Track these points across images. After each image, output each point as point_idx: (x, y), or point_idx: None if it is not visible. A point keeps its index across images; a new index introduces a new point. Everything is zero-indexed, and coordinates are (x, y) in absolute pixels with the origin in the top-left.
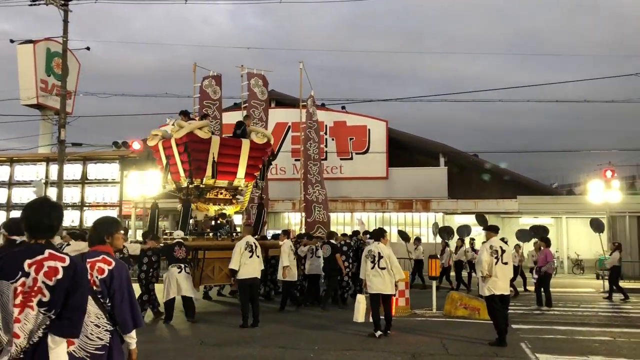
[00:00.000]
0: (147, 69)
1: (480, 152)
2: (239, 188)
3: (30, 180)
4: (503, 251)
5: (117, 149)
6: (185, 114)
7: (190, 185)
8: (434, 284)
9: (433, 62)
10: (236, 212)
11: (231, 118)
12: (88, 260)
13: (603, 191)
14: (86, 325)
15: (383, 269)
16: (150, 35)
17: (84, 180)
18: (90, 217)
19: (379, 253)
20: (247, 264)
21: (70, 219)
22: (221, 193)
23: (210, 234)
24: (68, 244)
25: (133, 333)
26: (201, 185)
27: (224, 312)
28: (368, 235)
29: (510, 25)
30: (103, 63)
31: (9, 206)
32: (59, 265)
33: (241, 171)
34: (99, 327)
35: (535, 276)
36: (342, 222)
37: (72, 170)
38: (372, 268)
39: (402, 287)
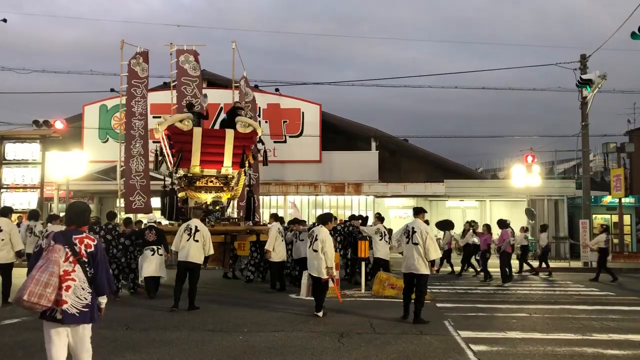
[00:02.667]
0: (73, 45)
1: (410, 136)
2: (230, 176)
3: None
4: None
5: (38, 127)
6: (189, 107)
7: (175, 175)
8: (363, 264)
9: (367, 47)
10: (229, 199)
11: (159, 98)
12: (75, 236)
13: (524, 176)
14: (76, 289)
15: (315, 251)
16: (76, 10)
17: (1, 161)
18: (9, 199)
19: (316, 235)
20: (185, 247)
21: None
22: (211, 181)
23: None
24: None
25: (105, 296)
26: (188, 175)
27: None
28: (360, 221)
29: (442, 14)
30: (23, 37)
31: None
32: (91, 242)
33: (227, 160)
34: (84, 290)
35: (497, 255)
36: (275, 205)
37: None
38: (309, 247)
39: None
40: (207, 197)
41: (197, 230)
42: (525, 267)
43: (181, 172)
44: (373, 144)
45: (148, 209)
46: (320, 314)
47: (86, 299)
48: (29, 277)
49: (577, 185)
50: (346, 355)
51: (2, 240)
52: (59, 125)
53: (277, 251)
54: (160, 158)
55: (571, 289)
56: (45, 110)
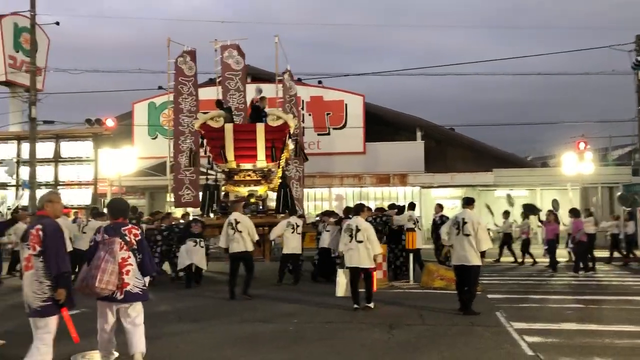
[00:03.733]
0: (120, 44)
1: (456, 125)
2: (266, 169)
3: (1, 160)
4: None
5: (91, 126)
6: (219, 104)
7: (211, 170)
8: (411, 256)
9: (411, 35)
10: (268, 191)
11: (205, 94)
12: (123, 228)
13: (576, 163)
14: (134, 272)
15: (360, 242)
16: (122, 9)
17: (57, 159)
18: (65, 196)
19: (356, 227)
20: (232, 240)
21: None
22: (248, 175)
23: None
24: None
25: (149, 276)
26: (226, 170)
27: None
28: (396, 210)
29: None
30: (73, 38)
31: None
32: (137, 231)
33: (261, 154)
34: (136, 272)
35: (571, 245)
36: (320, 198)
37: (45, 149)
38: (350, 242)
39: (379, 260)
40: (245, 191)
41: (237, 222)
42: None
43: (221, 167)
44: (418, 134)
45: (197, 203)
46: (372, 305)
47: (141, 280)
48: (93, 266)
49: (633, 172)
50: (396, 347)
51: None
52: (110, 123)
53: (287, 244)
54: (192, 154)
55: (629, 279)
56: (96, 109)
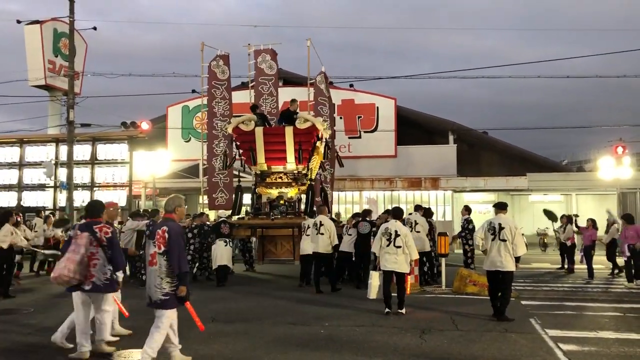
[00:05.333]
0: (154, 48)
1: (489, 129)
2: (297, 172)
3: (40, 161)
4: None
5: (126, 129)
6: (253, 109)
7: (242, 173)
8: (443, 261)
9: (442, 38)
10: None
11: (238, 97)
12: (95, 226)
13: (614, 168)
14: (100, 266)
15: (398, 247)
16: (156, 14)
17: (93, 161)
18: (100, 198)
19: (395, 231)
20: (314, 241)
21: (80, 199)
22: (280, 177)
23: (267, 215)
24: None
25: (121, 271)
26: (258, 172)
27: (245, 291)
28: (422, 212)
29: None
30: (110, 43)
31: (20, 187)
32: (108, 230)
33: (290, 156)
34: (105, 267)
35: (628, 254)
36: (350, 201)
37: (82, 151)
38: (387, 246)
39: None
40: (275, 193)
41: (321, 224)
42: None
43: (253, 170)
44: (451, 137)
45: (230, 206)
46: (404, 310)
47: (108, 274)
48: (64, 258)
49: None
50: (429, 352)
51: None
52: (144, 126)
53: (301, 246)
54: (226, 157)
55: None
56: (132, 112)
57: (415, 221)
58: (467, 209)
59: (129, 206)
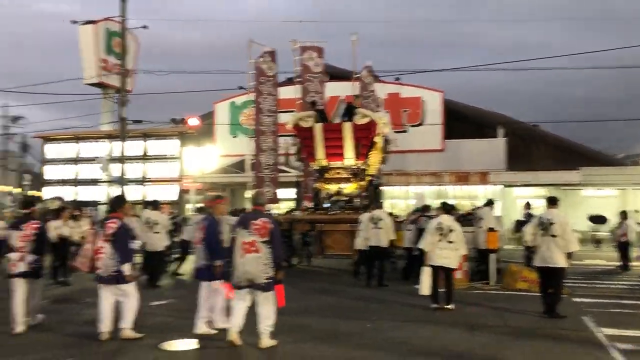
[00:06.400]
0: (202, 45)
1: (540, 122)
2: (356, 167)
3: (94, 157)
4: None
5: (176, 125)
6: (313, 104)
7: (303, 168)
8: (492, 257)
9: (491, 30)
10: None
11: (284, 93)
12: (106, 222)
13: None
14: (106, 258)
15: (451, 242)
16: (204, 12)
17: (145, 156)
18: (152, 192)
19: (448, 227)
20: (372, 235)
21: (133, 194)
22: (338, 173)
23: (326, 210)
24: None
25: (128, 264)
26: (317, 168)
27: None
28: (492, 207)
29: None
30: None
31: (76, 181)
32: (114, 225)
33: (348, 152)
34: (112, 260)
35: None
36: (397, 196)
37: (134, 147)
38: (440, 241)
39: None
40: (334, 188)
41: (379, 219)
42: None
43: (313, 165)
44: (500, 131)
45: (276, 200)
46: (451, 306)
47: (114, 267)
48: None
49: None
50: (478, 348)
51: (157, 233)
52: (193, 122)
53: (357, 240)
54: (290, 153)
55: None
56: (181, 109)
57: (480, 216)
58: (527, 205)
59: (180, 200)
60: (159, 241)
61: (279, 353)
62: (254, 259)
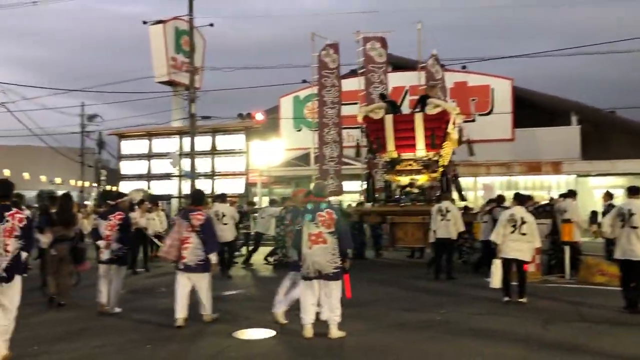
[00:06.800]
0: (266, 41)
1: (618, 108)
2: (428, 158)
3: (166, 153)
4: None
5: (242, 120)
6: (382, 97)
7: (373, 160)
8: (567, 249)
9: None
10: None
11: (347, 85)
12: (191, 214)
13: None
14: (193, 249)
15: (524, 234)
16: (267, 8)
17: (213, 151)
18: (221, 186)
19: (521, 218)
20: (439, 227)
21: (202, 188)
22: (410, 164)
23: (397, 202)
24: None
25: (214, 253)
26: (388, 160)
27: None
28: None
29: None
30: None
31: (149, 176)
32: (201, 217)
33: (420, 143)
34: (198, 249)
35: None
36: (465, 187)
37: (203, 142)
38: (512, 233)
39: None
40: (406, 180)
41: (448, 210)
42: None
43: (384, 157)
44: (574, 118)
45: (340, 192)
46: (524, 299)
47: (200, 256)
48: (166, 240)
49: None
50: (553, 342)
51: (226, 224)
52: (259, 117)
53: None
54: (360, 146)
55: None
56: (247, 104)
57: (564, 208)
58: (609, 195)
59: (247, 194)
60: (228, 232)
61: (349, 343)
62: (321, 250)
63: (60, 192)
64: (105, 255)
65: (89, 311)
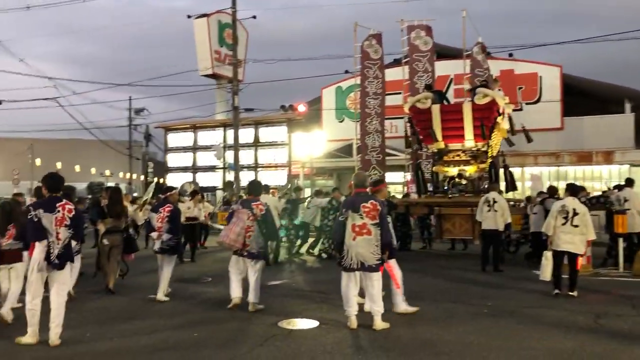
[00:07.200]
0: (308, 32)
1: None
2: (476, 149)
3: (210, 145)
4: None
5: (285, 112)
6: (428, 87)
7: (419, 152)
8: (620, 241)
9: None
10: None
11: (390, 75)
12: (253, 203)
13: None
14: (255, 237)
15: (576, 226)
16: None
17: (256, 143)
18: (264, 177)
19: (574, 209)
20: (486, 218)
21: (246, 179)
22: (458, 155)
23: (445, 193)
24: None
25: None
26: (435, 150)
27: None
28: (616, 189)
29: None
30: (267, 30)
31: (194, 168)
32: (262, 207)
33: (468, 133)
34: (257, 237)
35: None
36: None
37: (246, 134)
38: (564, 224)
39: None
40: (454, 171)
41: (495, 201)
42: None
43: (432, 148)
44: (627, 106)
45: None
46: (575, 293)
47: (260, 244)
48: (228, 227)
49: None
50: (605, 336)
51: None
52: (301, 108)
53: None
54: (411, 137)
55: None
56: (290, 96)
57: (624, 198)
58: None
59: (290, 185)
60: None
61: (394, 335)
62: (365, 241)
63: (109, 184)
64: (157, 245)
65: (137, 299)
